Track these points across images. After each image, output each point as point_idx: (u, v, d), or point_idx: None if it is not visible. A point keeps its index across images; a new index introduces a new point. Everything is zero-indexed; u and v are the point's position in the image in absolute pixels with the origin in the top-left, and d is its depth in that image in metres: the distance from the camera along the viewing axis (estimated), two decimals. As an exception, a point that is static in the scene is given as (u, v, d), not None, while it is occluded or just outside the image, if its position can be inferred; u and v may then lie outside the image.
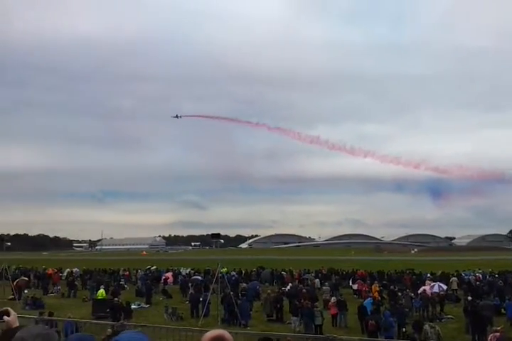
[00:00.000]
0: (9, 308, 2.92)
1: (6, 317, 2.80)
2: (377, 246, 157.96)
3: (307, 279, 36.36)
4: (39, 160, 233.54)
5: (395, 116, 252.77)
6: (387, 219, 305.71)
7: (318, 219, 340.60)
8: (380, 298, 24.21)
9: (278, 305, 22.85)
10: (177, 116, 61.38)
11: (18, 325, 2.85)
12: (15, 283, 29.63)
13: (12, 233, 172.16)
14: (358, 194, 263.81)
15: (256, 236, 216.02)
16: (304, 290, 25.52)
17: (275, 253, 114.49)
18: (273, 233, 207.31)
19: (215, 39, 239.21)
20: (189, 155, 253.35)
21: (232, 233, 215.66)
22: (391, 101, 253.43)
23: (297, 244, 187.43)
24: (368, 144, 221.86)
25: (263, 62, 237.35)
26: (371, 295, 24.65)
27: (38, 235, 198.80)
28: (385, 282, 33.03)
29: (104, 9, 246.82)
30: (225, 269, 31.96)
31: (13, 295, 27.45)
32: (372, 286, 28.81)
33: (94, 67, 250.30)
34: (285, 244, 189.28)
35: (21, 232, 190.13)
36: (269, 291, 25.14)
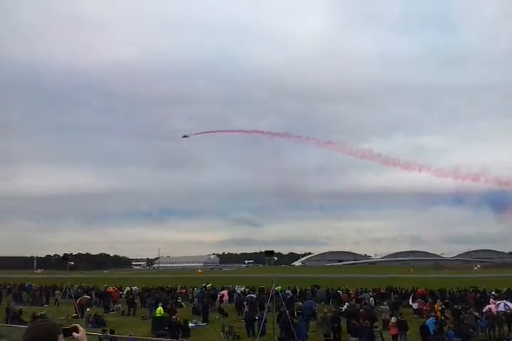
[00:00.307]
0: (78, 325, 3.11)
1: (75, 334, 2.92)
2: (437, 263, 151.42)
3: (364, 298, 35.38)
4: (100, 182, 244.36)
5: (448, 127, 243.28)
6: (445, 235, 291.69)
7: (373, 236, 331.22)
8: (442, 318, 23.19)
9: (335, 325, 22.38)
10: (185, 136, 61.50)
11: None
12: (78, 302, 30.79)
13: (75, 252, 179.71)
14: (414, 208, 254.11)
15: (309, 253, 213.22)
16: (362, 310, 24.87)
17: (330, 271, 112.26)
18: (327, 250, 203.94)
19: (259, 56, 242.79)
20: (242, 173, 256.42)
21: (285, 250, 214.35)
22: (443, 111, 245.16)
23: (352, 262, 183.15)
24: (421, 156, 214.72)
25: (311, 76, 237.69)
26: (433, 314, 23.65)
27: (100, 254, 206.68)
28: (447, 301, 31.56)
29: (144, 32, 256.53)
30: (279, 287, 31.73)
31: (76, 313, 28.46)
32: (435, 305, 27.60)
33: (147, 89, 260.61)
34: (339, 261, 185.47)
35: (83, 252, 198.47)
36: (325, 310, 24.69)
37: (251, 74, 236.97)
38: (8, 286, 50.83)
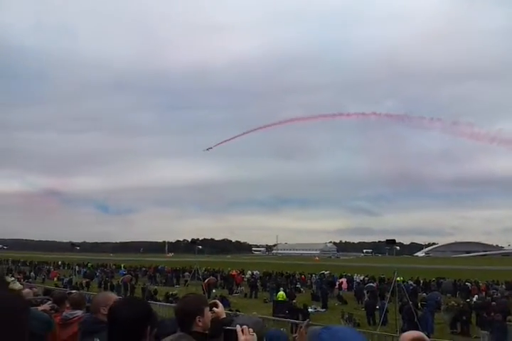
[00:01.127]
0: (217, 301, 3.41)
1: (215, 309, 3.24)
2: None
3: (496, 291, 32.62)
4: (221, 172, 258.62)
5: None
6: None
7: (506, 225, 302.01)
8: None
9: (464, 318, 21.02)
10: (208, 149, 63.04)
11: (224, 316, 3.33)
12: (205, 283, 32.99)
13: (201, 238, 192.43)
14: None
15: (433, 244, 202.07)
16: (494, 303, 22.98)
17: (456, 262, 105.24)
18: (452, 241, 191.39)
19: (377, 37, 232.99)
20: (359, 160, 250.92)
21: (406, 240, 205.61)
22: None
23: (482, 253, 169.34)
24: None
25: (434, 55, 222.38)
26: None
27: (223, 240, 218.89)
28: None
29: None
30: (400, 278, 30.51)
31: (204, 293, 30.54)
32: None
33: (257, 83, 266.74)
34: (467, 252, 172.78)
35: (208, 237, 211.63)
36: (453, 302, 23.30)
37: (366, 57, 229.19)
38: (143, 268, 56.31)
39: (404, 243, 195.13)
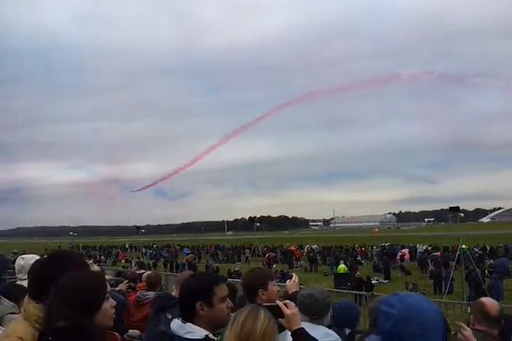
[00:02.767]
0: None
1: (288, 282, 3.57)
2: None
3: None
4: (271, 149, 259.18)
5: None
6: None
7: None
8: None
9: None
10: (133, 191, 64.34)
11: (294, 290, 3.48)
12: (265, 258, 33.66)
13: (258, 215, 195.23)
14: None
15: (499, 208, 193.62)
16: None
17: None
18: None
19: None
20: (412, 126, 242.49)
21: (469, 206, 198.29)
22: None
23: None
24: None
25: (482, 14, 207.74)
26: None
27: (279, 216, 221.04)
28: None
29: None
30: (465, 246, 29.57)
31: (265, 269, 31.24)
32: None
33: (300, 55, 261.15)
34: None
35: (265, 214, 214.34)
36: (523, 268, 22.44)
37: (412, 21, 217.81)
38: (206, 247, 58.13)
39: (468, 209, 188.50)
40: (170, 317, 3.13)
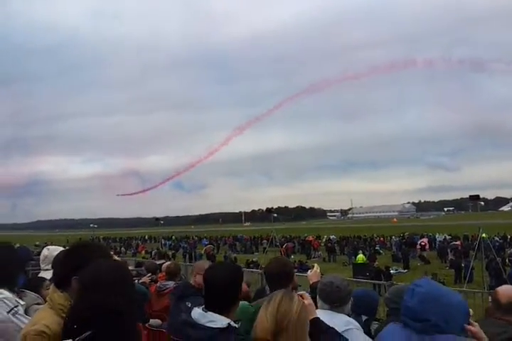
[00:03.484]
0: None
1: (309, 272, 3.64)
2: None
3: None
4: (287, 140, 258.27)
5: None
6: None
7: None
8: None
9: (559, 273, 19.90)
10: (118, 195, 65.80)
11: (315, 280, 3.51)
12: (283, 248, 33.71)
13: (275, 206, 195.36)
14: None
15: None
16: None
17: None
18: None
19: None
20: (429, 114, 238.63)
21: (490, 195, 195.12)
22: None
23: None
24: None
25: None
26: None
27: (297, 207, 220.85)
28: None
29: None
30: (484, 235, 29.20)
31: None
32: None
33: (314, 43, 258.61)
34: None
35: (282, 205, 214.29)
36: (545, 257, 22.08)
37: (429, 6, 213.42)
38: (224, 238, 58.53)
39: (488, 198, 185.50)
40: (190, 305, 3.18)
